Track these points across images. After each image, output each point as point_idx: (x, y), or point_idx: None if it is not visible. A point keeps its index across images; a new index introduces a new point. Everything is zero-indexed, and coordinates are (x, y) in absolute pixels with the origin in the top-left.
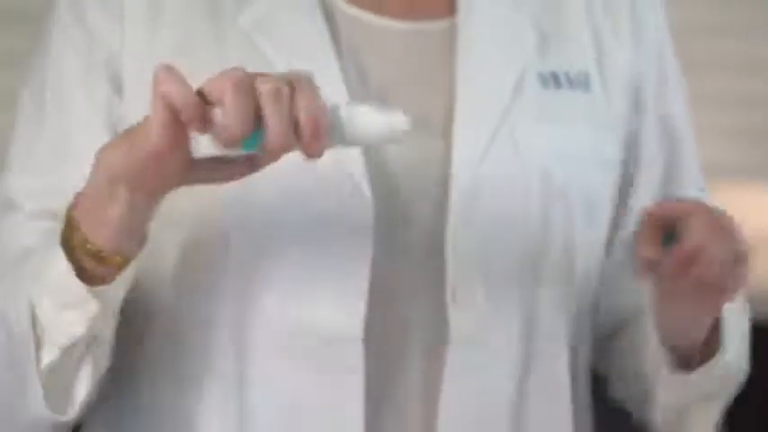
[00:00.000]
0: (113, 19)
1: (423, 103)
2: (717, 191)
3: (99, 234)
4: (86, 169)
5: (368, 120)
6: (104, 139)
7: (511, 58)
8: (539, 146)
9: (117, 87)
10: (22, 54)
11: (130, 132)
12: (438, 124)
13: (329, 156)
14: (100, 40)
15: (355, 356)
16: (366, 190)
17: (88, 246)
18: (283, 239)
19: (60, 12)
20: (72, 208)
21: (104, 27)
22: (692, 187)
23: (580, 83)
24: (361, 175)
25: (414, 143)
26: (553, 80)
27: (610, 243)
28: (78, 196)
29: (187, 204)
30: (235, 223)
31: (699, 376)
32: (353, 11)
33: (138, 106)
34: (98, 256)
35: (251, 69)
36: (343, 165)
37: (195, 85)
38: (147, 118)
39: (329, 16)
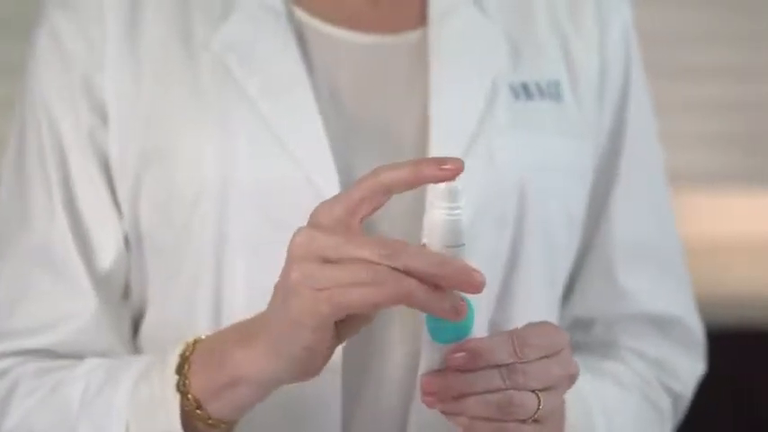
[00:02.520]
0: (92, 44)
1: (395, 118)
2: (713, 197)
3: (217, 409)
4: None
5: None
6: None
7: (483, 70)
8: (513, 158)
9: (102, 115)
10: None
11: (270, 333)
12: (412, 140)
13: (303, 180)
14: (77, 65)
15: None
16: None
17: (198, 412)
18: (263, 260)
19: (37, 40)
20: (183, 377)
21: (82, 53)
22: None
23: (551, 93)
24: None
25: (388, 160)
26: (524, 91)
27: (584, 248)
28: (193, 374)
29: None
30: (209, 250)
31: None
32: (324, 27)
33: (124, 136)
34: (207, 422)
35: (223, 92)
36: (316, 187)
37: (172, 119)
38: (299, 322)
39: (300, 34)
